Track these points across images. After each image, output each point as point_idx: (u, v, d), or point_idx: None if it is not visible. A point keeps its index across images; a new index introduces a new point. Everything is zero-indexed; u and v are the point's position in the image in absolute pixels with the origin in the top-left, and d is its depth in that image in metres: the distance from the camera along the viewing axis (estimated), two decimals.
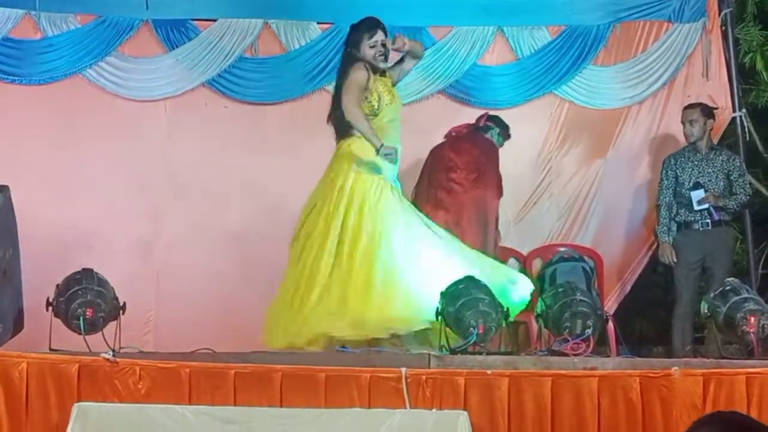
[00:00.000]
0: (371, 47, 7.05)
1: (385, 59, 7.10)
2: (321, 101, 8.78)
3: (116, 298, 6.56)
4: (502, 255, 8.71)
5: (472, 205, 7.87)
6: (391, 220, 6.88)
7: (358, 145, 6.96)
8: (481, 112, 8.86)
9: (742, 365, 6.18)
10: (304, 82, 8.75)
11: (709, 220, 8.20)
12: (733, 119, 8.75)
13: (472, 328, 6.28)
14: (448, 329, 6.41)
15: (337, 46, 8.77)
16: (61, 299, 6.47)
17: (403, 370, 5.83)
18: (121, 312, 6.53)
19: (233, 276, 8.39)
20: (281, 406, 5.76)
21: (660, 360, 6.79)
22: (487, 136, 8.22)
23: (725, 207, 8.22)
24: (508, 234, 8.78)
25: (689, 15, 8.87)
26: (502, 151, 8.82)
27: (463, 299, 6.41)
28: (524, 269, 8.68)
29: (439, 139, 8.61)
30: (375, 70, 7.07)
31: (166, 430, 5.58)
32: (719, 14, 8.86)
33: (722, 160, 8.32)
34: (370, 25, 7.12)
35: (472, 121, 8.27)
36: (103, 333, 6.40)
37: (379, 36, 7.07)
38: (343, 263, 6.78)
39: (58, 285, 6.57)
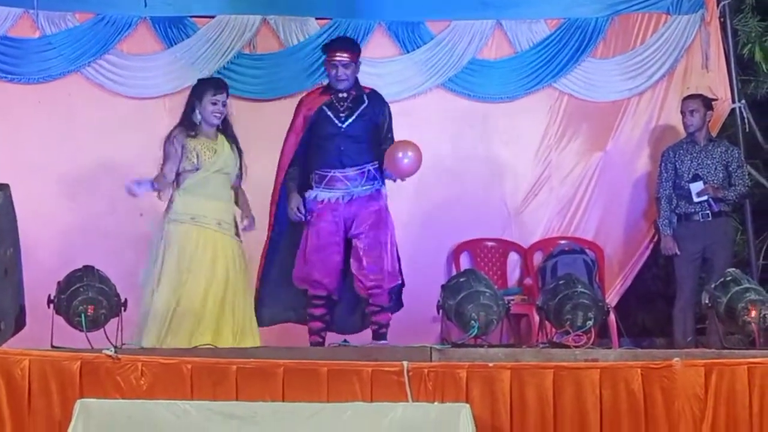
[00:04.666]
0: (213, 104, 7.17)
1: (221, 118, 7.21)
2: None
3: (117, 295, 6.58)
4: (504, 248, 8.75)
5: None
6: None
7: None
8: (481, 106, 8.87)
9: (744, 355, 6.18)
10: (302, 78, 8.72)
11: (709, 212, 8.21)
12: (733, 110, 8.75)
13: (473, 321, 6.28)
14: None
15: None
16: (63, 296, 6.49)
17: (405, 363, 5.84)
18: (122, 309, 6.55)
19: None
20: (283, 401, 5.77)
21: (661, 351, 6.79)
22: None
23: (724, 198, 8.22)
24: (509, 227, 8.79)
25: (687, 7, 8.86)
26: (501, 146, 8.86)
27: (464, 292, 6.41)
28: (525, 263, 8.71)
29: (437, 134, 8.60)
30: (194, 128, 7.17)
31: (169, 425, 5.58)
32: (717, 5, 8.85)
33: (721, 152, 8.32)
34: (217, 84, 7.29)
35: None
36: (104, 330, 6.42)
37: (223, 97, 7.21)
38: None
39: (59, 282, 6.58)
